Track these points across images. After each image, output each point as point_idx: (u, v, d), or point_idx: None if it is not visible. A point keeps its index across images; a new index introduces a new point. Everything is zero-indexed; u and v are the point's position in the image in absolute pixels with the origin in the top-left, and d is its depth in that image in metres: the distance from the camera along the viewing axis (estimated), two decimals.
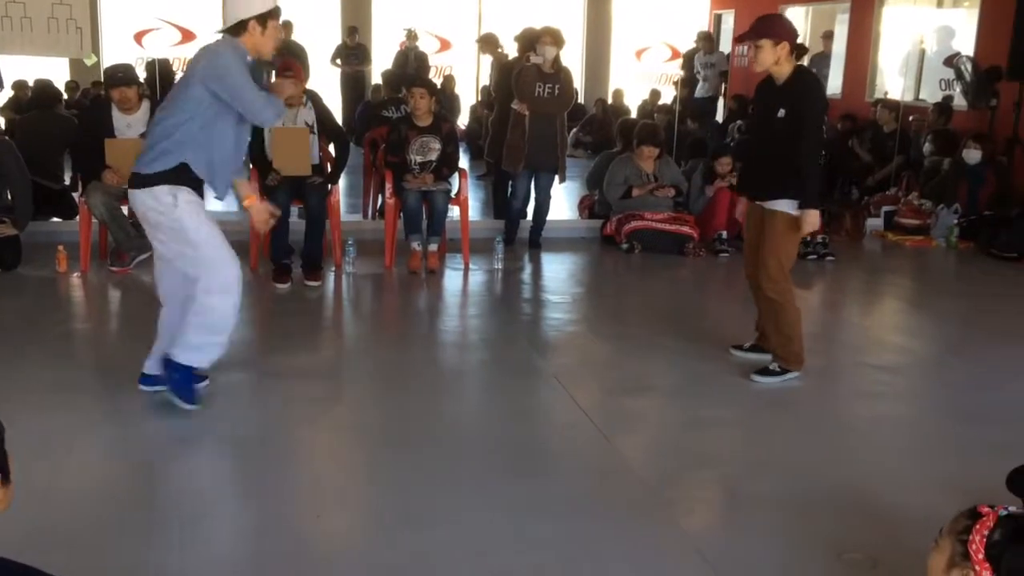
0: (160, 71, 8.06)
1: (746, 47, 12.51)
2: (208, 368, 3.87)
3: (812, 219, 4.14)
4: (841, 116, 10.24)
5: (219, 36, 3.67)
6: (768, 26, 4.15)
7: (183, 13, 11.21)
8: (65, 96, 10.78)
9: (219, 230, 3.71)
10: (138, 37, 9.86)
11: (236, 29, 3.62)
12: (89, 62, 9.34)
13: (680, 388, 4.36)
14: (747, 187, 4.56)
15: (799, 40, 4.21)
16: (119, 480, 3.27)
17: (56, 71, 10.73)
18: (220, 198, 3.86)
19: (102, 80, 7.38)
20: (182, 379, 3.73)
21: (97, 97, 7.96)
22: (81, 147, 6.25)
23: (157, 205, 3.59)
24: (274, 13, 3.68)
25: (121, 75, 5.91)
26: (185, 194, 3.60)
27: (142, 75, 7.46)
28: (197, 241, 3.63)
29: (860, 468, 3.52)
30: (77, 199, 6.08)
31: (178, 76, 9.39)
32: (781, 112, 4.15)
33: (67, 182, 7.45)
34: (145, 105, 5.95)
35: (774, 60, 4.13)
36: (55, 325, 4.94)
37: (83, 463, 3.44)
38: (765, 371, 4.35)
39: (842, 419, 4.07)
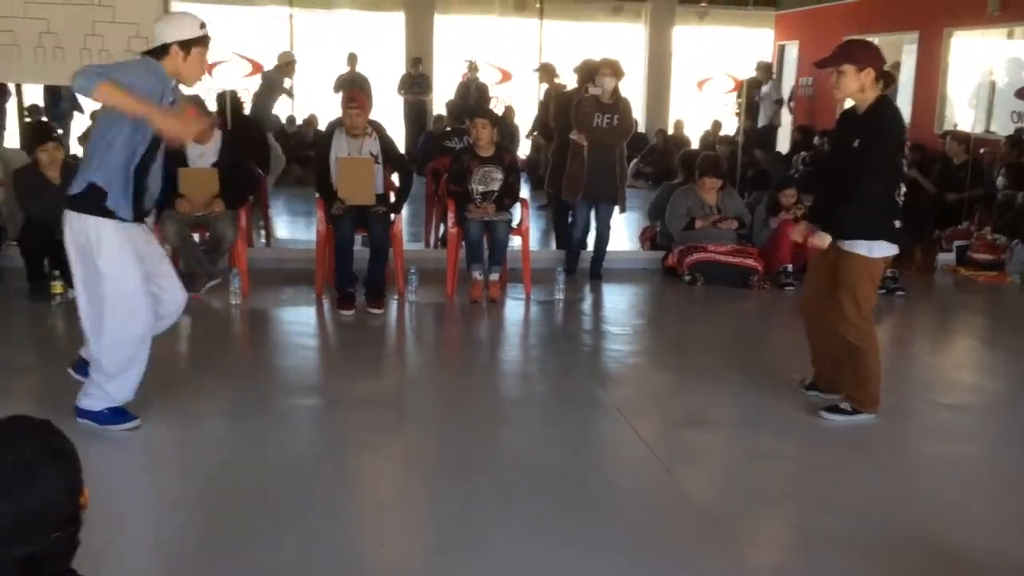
0: (230, 102, 8.27)
1: (811, 78, 12.45)
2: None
3: (820, 242, 4.09)
4: (909, 148, 10.07)
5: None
6: (852, 51, 3.99)
7: (252, 46, 11.54)
8: None
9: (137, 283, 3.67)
10: (209, 68, 10.17)
11: (158, 52, 3.62)
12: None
13: (745, 422, 4.29)
14: (819, 221, 4.27)
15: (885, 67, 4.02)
16: (182, 498, 3.32)
17: None
18: (124, 218, 3.63)
19: None
20: (102, 418, 3.79)
21: None
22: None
23: (81, 237, 3.62)
24: (200, 41, 3.67)
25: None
26: (108, 233, 3.59)
27: (213, 106, 7.65)
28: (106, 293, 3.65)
29: (932, 507, 3.42)
30: (151, 226, 6.25)
31: (247, 108, 9.71)
32: (856, 143, 3.99)
33: None
34: (217, 135, 6.12)
35: (858, 87, 3.97)
36: None
37: (142, 481, 3.51)
38: (835, 409, 4.24)
39: (913, 458, 3.96)
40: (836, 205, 4.08)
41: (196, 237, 6.11)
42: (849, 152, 4.03)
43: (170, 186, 5.82)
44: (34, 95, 11.24)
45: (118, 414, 3.81)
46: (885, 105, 4.06)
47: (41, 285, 5.72)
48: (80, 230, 3.62)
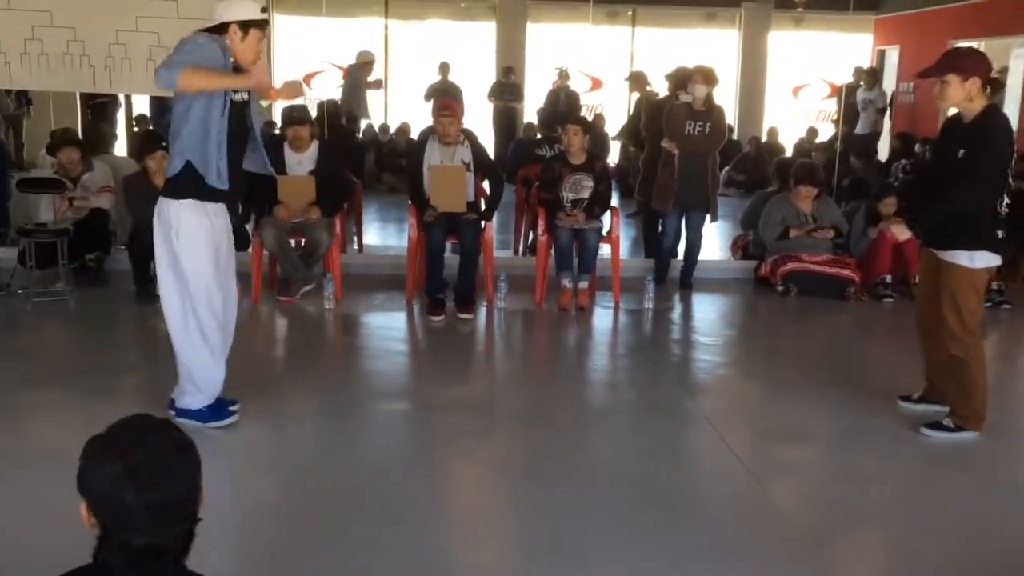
0: (328, 111, 8.49)
1: (912, 84, 12.06)
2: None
3: (898, 232, 4.26)
4: (1017, 157, 9.65)
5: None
6: (955, 60, 3.89)
7: (348, 56, 11.84)
8: None
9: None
10: (307, 79, 10.48)
11: (217, 29, 3.68)
12: (263, 103, 9.93)
13: (840, 437, 4.18)
14: (908, 217, 4.25)
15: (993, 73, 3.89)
16: (273, 498, 3.41)
17: None
18: (216, 185, 3.73)
19: (276, 120, 7.84)
20: (201, 416, 3.90)
21: (271, 136, 8.47)
22: (254, 184, 6.61)
23: (165, 221, 3.77)
24: (258, 24, 3.70)
25: (297, 115, 6.26)
26: (187, 214, 3.72)
27: (314, 115, 7.85)
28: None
29: None
30: (250, 232, 6.44)
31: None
32: (961, 152, 3.87)
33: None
34: (314, 144, 6.27)
35: (964, 97, 3.85)
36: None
37: (235, 481, 3.62)
38: (937, 426, 4.10)
39: (1019, 477, 3.81)
40: (929, 204, 3.99)
41: (292, 243, 6.28)
42: (953, 162, 3.91)
43: (269, 194, 6.02)
44: (141, 105, 11.72)
45: (216, 411, 3.94)
46: (993, 114, 3.92)
47: (147, 288, 5.93)
48: (164, 212, 3.78)
